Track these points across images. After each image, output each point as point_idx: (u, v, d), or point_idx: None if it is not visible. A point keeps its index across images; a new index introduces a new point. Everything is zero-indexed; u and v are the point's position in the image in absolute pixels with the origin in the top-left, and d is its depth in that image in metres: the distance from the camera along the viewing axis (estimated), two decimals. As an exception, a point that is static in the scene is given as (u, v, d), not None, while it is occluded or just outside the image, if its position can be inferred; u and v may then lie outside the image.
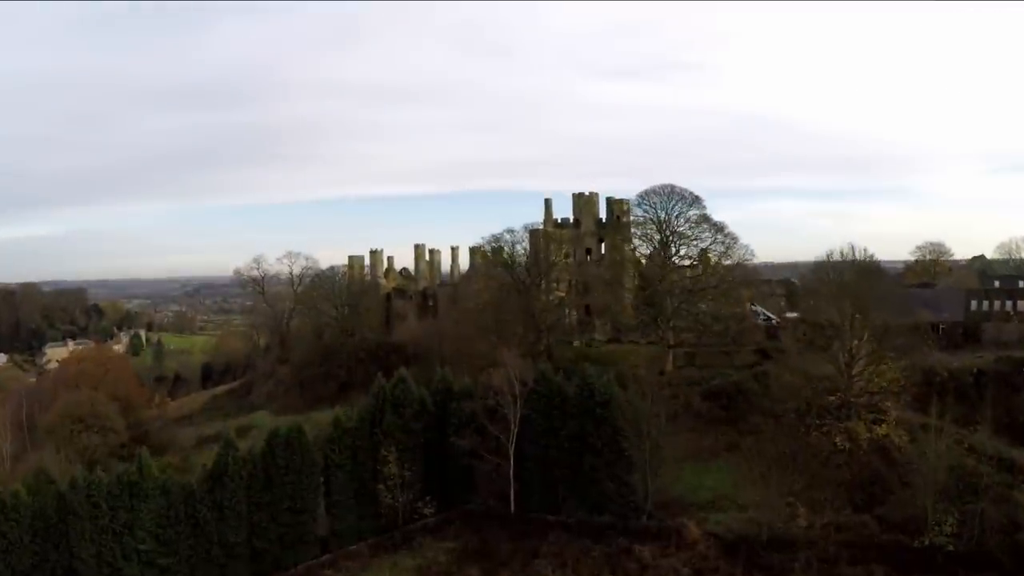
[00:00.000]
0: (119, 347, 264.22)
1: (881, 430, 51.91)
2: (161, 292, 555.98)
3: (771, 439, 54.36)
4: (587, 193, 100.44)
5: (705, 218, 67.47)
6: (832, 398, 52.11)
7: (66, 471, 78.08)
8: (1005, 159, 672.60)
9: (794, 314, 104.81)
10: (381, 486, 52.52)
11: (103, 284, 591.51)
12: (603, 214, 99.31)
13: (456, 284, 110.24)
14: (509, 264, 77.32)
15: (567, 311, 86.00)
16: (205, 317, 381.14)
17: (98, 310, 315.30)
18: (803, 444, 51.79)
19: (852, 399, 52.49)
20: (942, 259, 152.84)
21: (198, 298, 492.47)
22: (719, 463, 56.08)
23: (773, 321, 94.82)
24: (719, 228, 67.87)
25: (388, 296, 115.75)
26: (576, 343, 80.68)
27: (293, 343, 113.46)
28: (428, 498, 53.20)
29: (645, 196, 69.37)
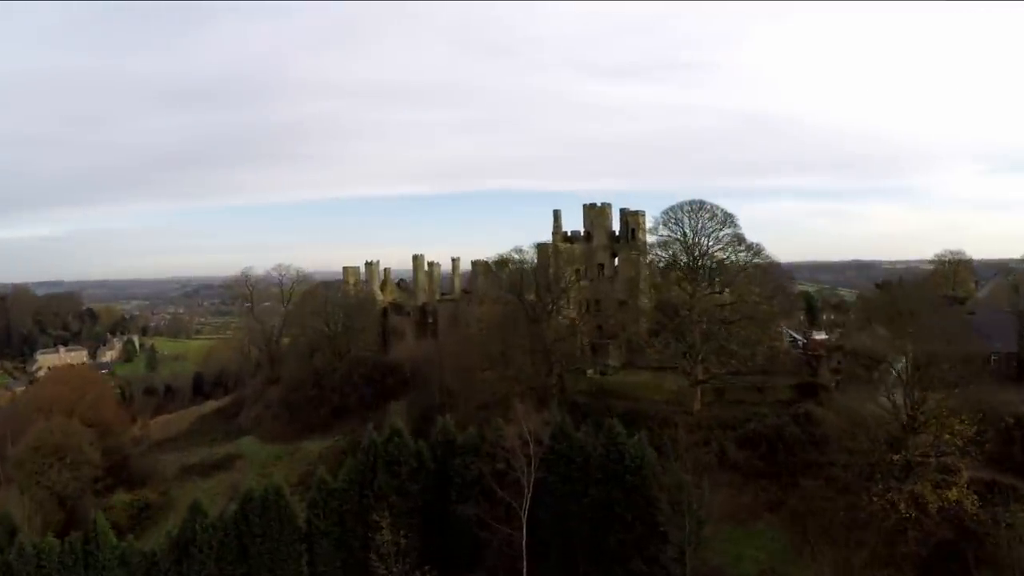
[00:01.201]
0: (112, 353, 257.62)
1: (951, 494, 44.63)
2: (160, 293, 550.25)
3: (822, 500, 47.44)
4: (599, 204, 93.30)
5: (739, 239, 60.07)
6: (896, 457, 44.77)
7: (31, 517, 71.53)
8: (1005, 159, 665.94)
9: (822, 334, 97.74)
10: (373, 555, 45.26)
11: (102, 284, 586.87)
12: (615, 225, 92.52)
13: (457, 299, 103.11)
14: (517, 288, 69.91)
15: (579, 335, 78.82)
16: (203, 319, 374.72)
17: (92, 314, 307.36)
18: (861, 509, 44.55)
19: (919, 458, 45.24)
20: (963, 267, 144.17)
21: (196, 299, 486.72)
22: (761, 526, 49.00)
23: (799, 343, 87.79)
24: (756, 251, 60.52)
25: (384, 311, 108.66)
26: (590, 372, 73.44)
27: (283, 362, 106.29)
28: (427, 568, 45.94)
29: (671, 213, 62.01)
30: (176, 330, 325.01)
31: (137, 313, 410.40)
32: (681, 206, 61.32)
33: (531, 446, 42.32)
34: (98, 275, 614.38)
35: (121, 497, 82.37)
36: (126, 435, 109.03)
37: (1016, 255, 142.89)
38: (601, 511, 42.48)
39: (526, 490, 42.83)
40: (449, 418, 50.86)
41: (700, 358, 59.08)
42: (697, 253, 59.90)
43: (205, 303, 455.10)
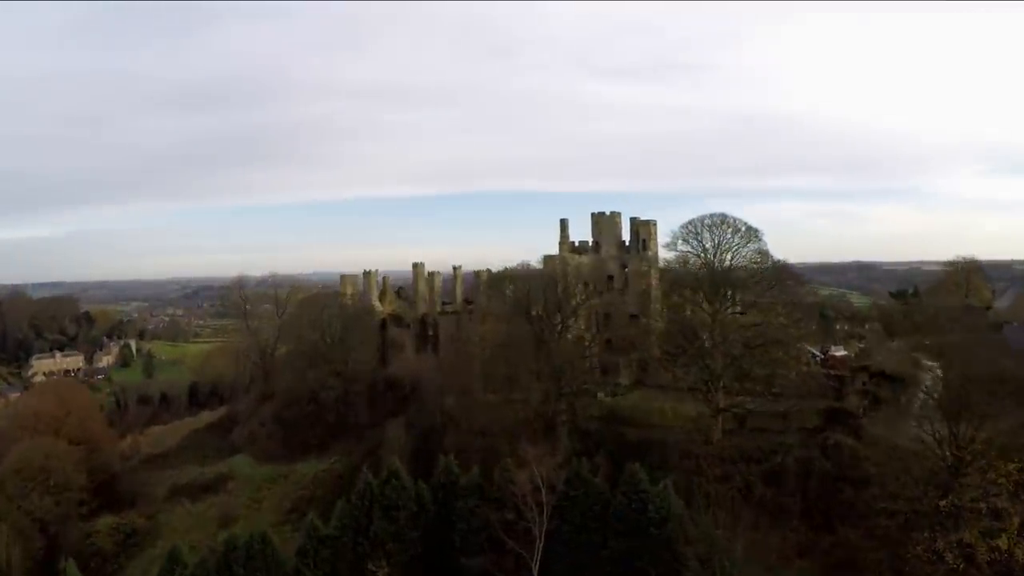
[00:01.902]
0: (109, 358, 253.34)
1: (1001, 543, 40.49)
2: (160, 295, 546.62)
3: (859, 549, 43.37)
4: (608, 212, 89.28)
5: (765, 256, 55.86)
6: (943, 503, 40.68)
7: (10, 546, 67.75)
8: (1006, 160, 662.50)
9: (840, 350, 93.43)
10: (369, 608, 41.48)
11: (103, 286, 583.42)
12: (625, 235, 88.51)
13: (459, 311, 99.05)
14: (523, 305, 65.85)
15: (587, 349, 74.79)
16: (201, 322, 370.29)
17: (89, 318, 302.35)
18: (906, 561, 40.45)
19: (968, 503, 41.12)
20: (976, 273, 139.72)
21: (196, 301, 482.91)
22: (793, 574, 44.85)
23: (817, 358, 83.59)
24: (783, 269, 56.34)
25: (383, 323, 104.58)
26: (600, 394, 69.31)
27: (278, 375, 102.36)
28: (428, 621, 42.12)
29: (690, 227, 57.77)
30: (174, 333, 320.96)
31: (135, 316, 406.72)
32: (702, 220, 57.22)
33: (543, 493, 38.30)
34: (98, 276, 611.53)
35: (107, 521, 78.63)
36: (115, 451, 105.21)
37: (1020, 256, 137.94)
38: (621, 565, 38.41)
39: (537, 540, 38.85)
40: (452, 457, 46.64)
41: (721, 384, 54.98)
42: (719, 270, 55.70)
43: (205, 304, 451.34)
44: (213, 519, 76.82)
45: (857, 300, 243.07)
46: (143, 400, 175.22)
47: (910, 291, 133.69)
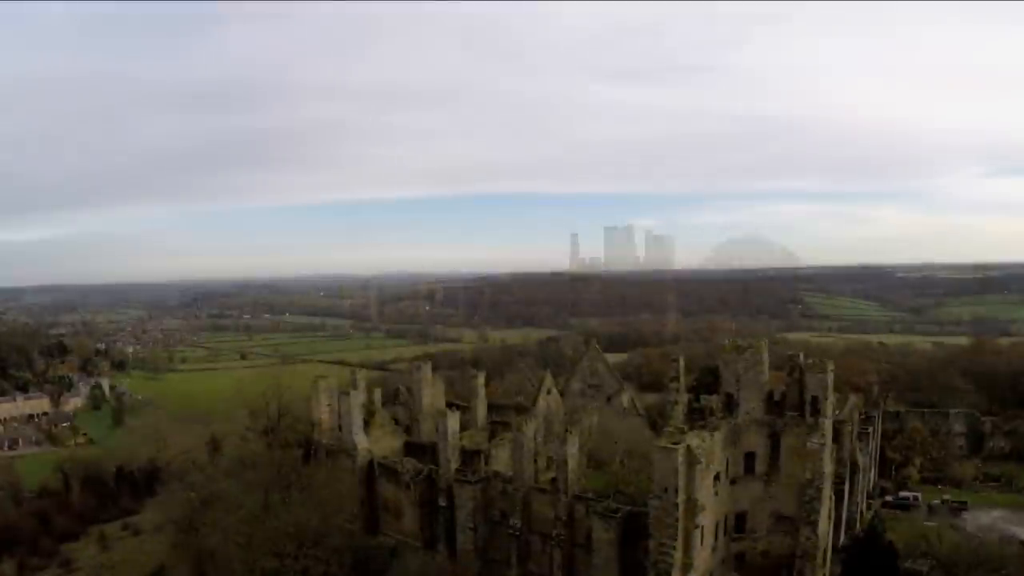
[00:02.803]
0: (77, 400, 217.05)
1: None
2: (160, 299, 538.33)
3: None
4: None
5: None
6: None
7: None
8: (1009, 161, 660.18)
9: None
10: None
11: (102, 290, 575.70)
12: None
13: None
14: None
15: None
16: (195, 338, 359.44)
17: (62, 348, 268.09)
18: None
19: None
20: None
21: (195, 307, 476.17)
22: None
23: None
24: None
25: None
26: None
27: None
28: None
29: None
30: (156, 363, 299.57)
31: (126, 329, 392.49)
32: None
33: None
34: (99, 279, 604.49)
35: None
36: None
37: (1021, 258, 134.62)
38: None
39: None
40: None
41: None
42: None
43: (204, 312, 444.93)
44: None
45: (866, 306, 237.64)
46: (89, 481, 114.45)
47: (932, 304, 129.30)
